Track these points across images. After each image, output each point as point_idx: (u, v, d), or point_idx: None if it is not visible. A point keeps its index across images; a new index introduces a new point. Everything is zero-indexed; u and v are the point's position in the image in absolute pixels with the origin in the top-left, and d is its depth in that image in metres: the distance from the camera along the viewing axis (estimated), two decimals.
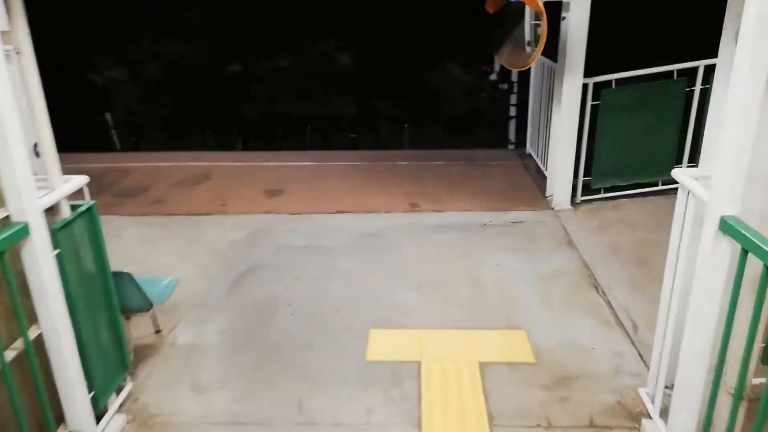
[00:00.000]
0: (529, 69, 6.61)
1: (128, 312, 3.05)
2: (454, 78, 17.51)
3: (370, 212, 5.25)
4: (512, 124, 10.69)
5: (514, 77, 10.39)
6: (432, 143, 12.49)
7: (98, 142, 12.06)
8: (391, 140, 14.05)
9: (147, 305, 3.00)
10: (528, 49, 5.34)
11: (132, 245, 4.71)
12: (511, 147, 10.80)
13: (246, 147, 10.03)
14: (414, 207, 5.32)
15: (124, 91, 18.39)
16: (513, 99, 10.58)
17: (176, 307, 3.68)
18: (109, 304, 2.67)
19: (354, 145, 10.56)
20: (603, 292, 3.65)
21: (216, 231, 4.91)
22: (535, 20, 5.38)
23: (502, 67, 10.34)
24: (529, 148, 6.71)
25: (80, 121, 12.58)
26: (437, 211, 5.20)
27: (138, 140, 10.64)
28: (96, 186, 6.50)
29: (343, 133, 11.80)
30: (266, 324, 3.48)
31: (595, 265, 4.00)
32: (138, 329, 3.38)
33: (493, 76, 10.37)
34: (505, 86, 10.41)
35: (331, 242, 4.62)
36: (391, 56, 18.26)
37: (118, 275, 2.78)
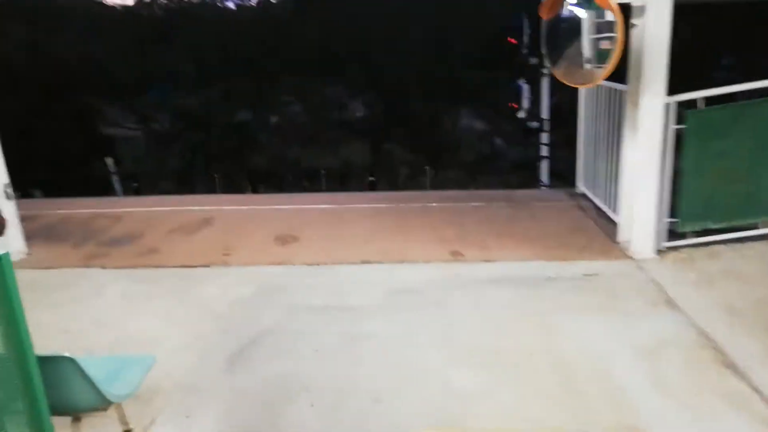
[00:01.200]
0: (577, 96, 5.81)
1: (76, 412, 2.09)
2: (469, 121, 16.89)
3: (402, 262, 4.32)
4: (544, 164, 9.84)
5: (545, 113, 9.63)
6: (455, 185, 11.66)
7: (100, 189, 11.39)
8: (411, 183, 13.26)
9: (102, 402, 2.05)
10: (588, 66, 4.52)
11: (112, 306, 3.78)
12: (543, 188, 9.93)
13: (255, 192, 9.26)
14: (456, 256, 4.38)
15: (132, 138, 17.96)
16: (544, 138, 9.78)
17: (155, 393, 2.72)
18: (31, 406, 1.72)
19: (373, 188, 9.74)
20: (741, 373, 2.65)
21: (216, 287, 3.99)
22: (596, 34, 4.60)
23: (531, 105, 9.61)
24: (581, 187, 5.81)
25: (84, 167, 11.96)
26: (486, 261, 4.25)
27: (141, 187, 9.90)
28: (82, 233, 5.64)
29: (360, 176, 11.03)
30: (276, 420, 2.50)
31: (715, 332, 3.00)
32: (96, 429, 2.41)
33: (521, 114, 9.60)
34: (535, 124, 9.63)
35: (357, 300, 3.67)
36: (403, 102, 17.78)
37: (53, 361, 1.86)
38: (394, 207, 5.80)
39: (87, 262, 4.53)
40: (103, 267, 4.43)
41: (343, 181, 10.57)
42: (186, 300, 3.80)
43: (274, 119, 17.59)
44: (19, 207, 5.46)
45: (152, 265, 4.44)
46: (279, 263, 4.40)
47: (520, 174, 11.37)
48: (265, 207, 6.09)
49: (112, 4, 15.94)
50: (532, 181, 10.60)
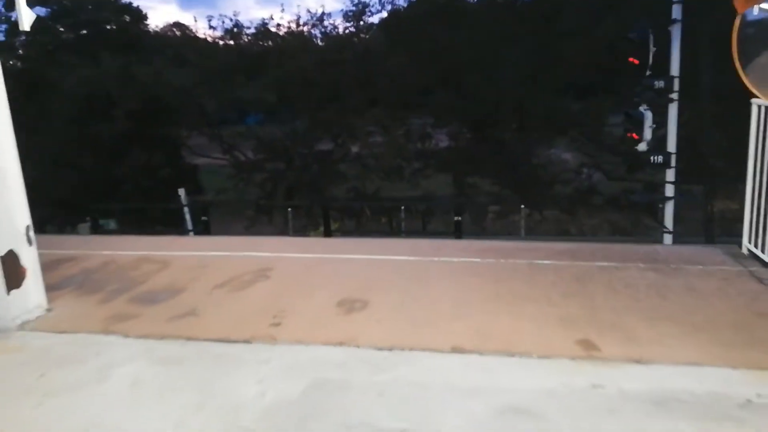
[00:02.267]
0: (746, 122, 4.34)
1: None
2: (569, 153, 15.23)
3: (509, 355, 3.07)
4: (669, 207, 8.18)
5: (672, 147, 8.02)
6: (554, 228, 10.15)
7: (174, 221, 11.08)
8: (501, 223, 11.85)
9: None
10: None
11: (115, 400, 2.82)
12: (667, 237, 8.26)
13: (328, 229, 8.34)
14: (589, 350, 3.06)
15: (213, 169, 17.96)
16: (669, 175, 8.14)
17: None
18: None
19: (458, 230, 8.53)
20: None
21: (253, 379, 2.93)
22: None
23: (654, 135, 8.05)
24: (749, 246, 4.28)
25: (162, 198, 11.68)
26: (635, 362, 2.90)
27: (211, 221, 9.35)
28: (118, 283, 4.72)
29: (444, 213, 9.83)
30: None
31: None
32: None
33: (642, 146, 8.04)
34: (660, 159, 8.03)
35: (443, 424, 2.46)
36: (494, 132, 16.46)
37: None
38: (491, 263, 4.57)
39: (109, 327, 3.66)
40: (125, 335, 3.54)
41: (425, 218, 9.35)
42: (210, 399, 2.77)
43: (355, 150, 16.93)
44: (64, 246, 4.79)
45: (183, 336, 3.49)
46: (340, 343, 3.29)
47: (633, 217, 9.70)
48: (334, 256, 5.07)
49: (201, 35, 16.12)
50: (651, 227, 8.93)
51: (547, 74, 14.52)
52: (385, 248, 5.26)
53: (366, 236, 9.91)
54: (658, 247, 4.96)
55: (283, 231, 9.53)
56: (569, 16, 14.54)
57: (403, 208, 9.28)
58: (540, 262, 4.50)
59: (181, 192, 8.99)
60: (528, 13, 15.88)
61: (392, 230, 9.21)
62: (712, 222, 8.33)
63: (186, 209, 9.02)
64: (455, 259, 4.71)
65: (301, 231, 13.27)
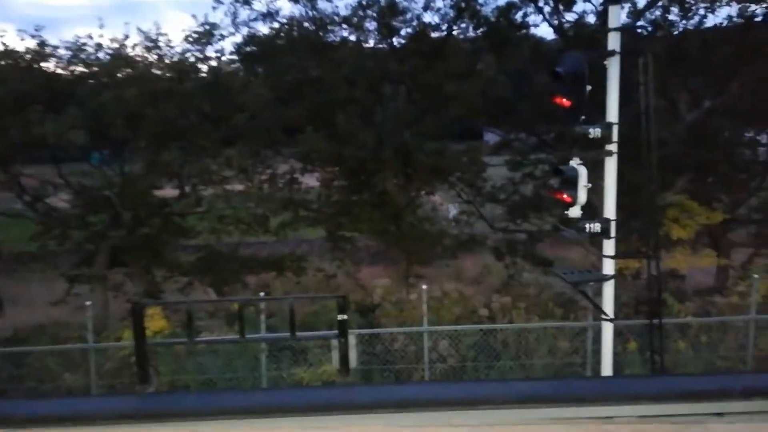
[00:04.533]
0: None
1: None
2: (468, 209, 13.56)
3: None
4: (608, 288, 6.43)
5: (610, 212, 6.31)
6: (460, 309, 8.03)
7: None
8: (390, 300, 9.48)
9: None
10: None
11: None
12: (607, 322, 6.51)
13: (142, 338, 5.33)
14: None
15: (18, 222, 13.71)
16: (608, 247, 6.41)
17: None
18: None
19: (343, 333, 5.95)
20: None
21: None
22: None
23: (591, 196, 6.29)
24: None
25: None
26: None
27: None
28: None
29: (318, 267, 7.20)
30: None
31: None
32: None
33: (575, 211, 6.24)
34: (597, 227, 6.27)
35: None
36: (375, 178, 14.47)
37: None
38: None
39: None
40: None
41: (297, 312, 6.68)
42: None
43: (204, 199, 13.78)
44: None
45: None
46: None
47: (557, 299, 7.91)
48: None
49: None
50: (580, 309, 7.18)
51: (430, 116, 12.93)
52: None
53: (205, 338, 6.96)
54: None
55: (94, 319, 6.31)
56: (452, 56, 13.21)
57: (266, 311, 6.58)
58: None
59: None
60: (406, 51, 14.36)
61: (249, 326, 6.46)
62: (661, 301, 6.71)
63: None
64: None
65: (127, 300, 9.83)
